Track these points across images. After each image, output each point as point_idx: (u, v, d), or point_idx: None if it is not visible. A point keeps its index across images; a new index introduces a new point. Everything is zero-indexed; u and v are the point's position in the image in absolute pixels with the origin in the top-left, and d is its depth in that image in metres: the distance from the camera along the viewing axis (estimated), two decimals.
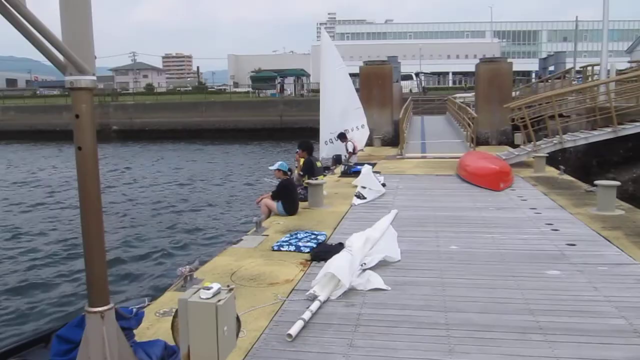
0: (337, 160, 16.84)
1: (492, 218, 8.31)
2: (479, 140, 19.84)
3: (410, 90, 46.91)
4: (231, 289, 3.35)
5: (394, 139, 21.79)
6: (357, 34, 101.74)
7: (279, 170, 8.83)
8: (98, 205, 3.26)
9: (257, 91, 56.35)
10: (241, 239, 7.42)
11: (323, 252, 6.29)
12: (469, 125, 19.13)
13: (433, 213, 8.76)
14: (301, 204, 9.35)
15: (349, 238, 6.29)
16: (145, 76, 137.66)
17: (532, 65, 63.19)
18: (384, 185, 11.53)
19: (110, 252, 11.56)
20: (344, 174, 13.73)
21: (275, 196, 8.81)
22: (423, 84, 51.38)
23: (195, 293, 3.25)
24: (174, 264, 9.83)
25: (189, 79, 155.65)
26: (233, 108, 47.20)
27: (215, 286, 3.25)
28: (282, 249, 6.70)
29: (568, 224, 7.83)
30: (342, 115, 16.98)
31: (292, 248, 6.67)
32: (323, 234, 7.28)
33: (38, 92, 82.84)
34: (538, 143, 14.51)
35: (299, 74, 57.72)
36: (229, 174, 24.67)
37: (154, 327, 4.53)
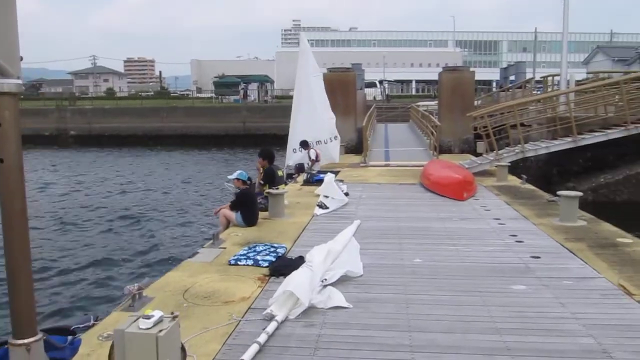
0: (299, 168, 16.55)
1: (456, 229, 8.15)
2: (442, 149, 19.85)
3: (374, 97, 47.00)
4: (175, 317, 3.03)
5: (357, 147, 21.64)
6: (321, 41, 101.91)
7: (238, 179, 8.50)
8: (24, 224, 2.90)
9: (220, 97, 55.66)
10: (197, 252, 7.06)
11: (282, 266, 6.00)
12: (432, 133, 19.13)
13: (396, 224, 8.57)
14: (261, 214, 9.04)
15: (309, 251, 6.02)
16: (106, 80, 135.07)
17: (493, 74, 64.36)
18: (346, 194, 11.32)
19: (53, 267, 10.99)
20: (307, 182, 13.48)
21: (233, 206, 8.47)
22: (387, 92, 51.67)
23: (134, 322, 2.92)
24: (124, 280, 9.39)
25: (151, 83, 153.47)
26: (195, 114, 46.45)
27: (157, 314, 2.93)
28: (239, 263, 6.38)
29: (532, 235, 7.74)
30: (314, 124, 16.63)
31: (250, 262, 6.35)
32: (283, 247, 6.99)
33: None
34: (500, 152, 14.55)
35: (263, 80, 57.29)
36: (188, 182, 24.10)
37: (96, 352, 4.15)
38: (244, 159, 32.61)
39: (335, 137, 17.21)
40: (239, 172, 8.56)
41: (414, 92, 74.87)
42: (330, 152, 17.17)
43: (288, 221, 8.86)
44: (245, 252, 6.74)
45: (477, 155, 17.53)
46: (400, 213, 9.46)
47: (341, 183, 12.72)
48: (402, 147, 21.38)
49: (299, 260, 6.07)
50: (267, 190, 9.09)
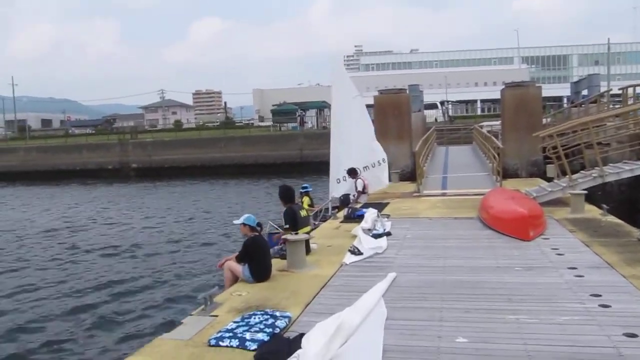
0: (344, 201, 15.00)
1: (518, 285, 6.31)
2: (507, 173, 17.80)
3: (436, 119, 44.97)
4: None
5: (413, 173, 19.86)
6: (382, 65, 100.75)
7: (244, 225, 7.04)
8: None
9: (278, 125, 55.13)
10: (181, 323, 5.62)
11: (269, 353, 4.44)
12: (494, 157, 17.13)
13: (442, 277, 6.81)
14: (280, 265, 7.56)
15: (306, 335, 4.44)
16: (174, 113, 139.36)
17: (563, 90, 60.63)
18: (388, 234, 9.65)
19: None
20: (348, 218, 11.88)
21: (240, 258, 7.01)
22: (449, 112, 49.41)
23: None
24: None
25: (218, 114, 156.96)
26: (253, 143, 46.00)
27: None
28: (221, 343, 4.86)
29: (622, 295, 5.79)
30: (357, 150, 15.25)
31: (235, 343, 4.82)
32: (286, 317, 5.42)
33: (70, 131, 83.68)
34: (574, 177, 12.45)
35: (321, 106, 56.42)
36: (233, 214, 22.95)
37: None
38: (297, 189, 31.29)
39: (383, 160, 15.73)
40: (246, 216, 7.11)
41: (479, 112, 71.90)
42: (378, 177, 15.67)
43: (308, 274, 7.29)
44: (235, 325, 5.21)
45: (549, 179, 15.38)
46: (448, 260, 7.68)
47: (386, 219, 11.07)
48: (463, 173, 19.40)
49: (295, 344, 4.50)
50: (284, 236, 7.58)
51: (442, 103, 50.21)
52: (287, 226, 8.29)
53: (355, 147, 14.96)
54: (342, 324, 4.78)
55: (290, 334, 4.97)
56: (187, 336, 5.14)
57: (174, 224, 21.62)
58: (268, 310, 5.65)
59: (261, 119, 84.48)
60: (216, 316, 5.72)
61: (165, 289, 11.95)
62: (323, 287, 6.64)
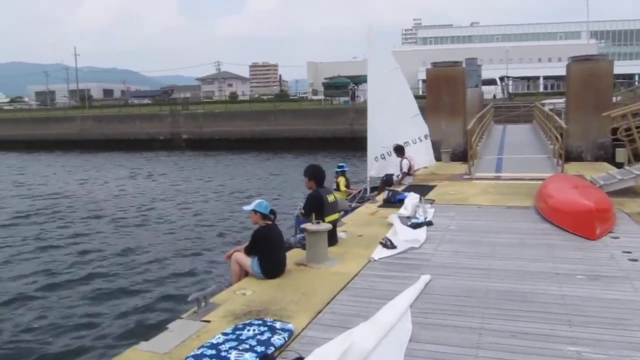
0: (387, 181, 13.89)
1: (579, 302, 5.10)
2: (570, 155, 16.20)
3: (494, 96, 42.72)
4: None
5: (465, 153, 18.46)
6: (440, 38, 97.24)
7: (255, 212, 6.08)
8: None
9: (329, 99, 53.89)
10: (166, 328, 4.75)
11: None
12: (556, 138, 15.55)
13: (485, 283, 5.67)
14: (299, 257, 6.60)
15: None
16: (230, 85, 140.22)
17: (635, 67, 56.67)
18: (429, 224, 8.52)
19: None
20: (387, 202, 10.79)
21: (249, 249, 6.08)
22: (509, 89, 46.82)
23: None
24: None
25: (274, 87, 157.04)
26: (302, 116, 45.08)
27: None
28: None
29: None
30: (396, 125, 14.10)
31: None
32: (286, 331, 4.44)
33: (129, 101, 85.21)
34: None
35: (364, 81, 54.69)
36: (270, 189, 22.12)
37: None
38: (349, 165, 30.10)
39: (426, 137, 14.51)
40: (257, 201, 6.15)
41: (541, 89, 68.32)
42: (420, 155, 14.50)
43: (329, 270, 6.29)
44: (223, 339, 4.28)
45: (618, 165, 13.75)
46: (495, 260, 6.51)
47: (429, 205, 9.92)
48: (520, 154, 17.86)
49: None
50: (302, 225, 6.58)
51: (501, 79, 47.64)
52: (303, 211, 7.28)
53: (394, 123, 13.84)
54: (351, 349, 3.79)
55: (295, 351, 4.01)
56: (164, 348, 4.25)
57: (209, 199, 20.99)
58: (267, 319, 4.69)
59: (314, 92, 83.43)
60: (208, 322, 4.82)
61: (175, 277, 10.98)
62: (342, 289, 5.63)
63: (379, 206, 10.58)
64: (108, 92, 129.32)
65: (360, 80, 53.92)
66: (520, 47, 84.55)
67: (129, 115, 53.46)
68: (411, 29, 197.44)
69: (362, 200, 12.84)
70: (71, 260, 12.35)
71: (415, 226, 8.27)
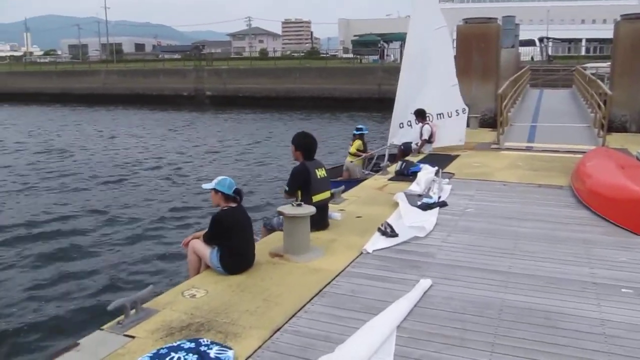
0: (405, 150, 12.55)
1: (624, 330, 3.80)
2: (613, 126, 14.52)
3: (532, 58, 40.27)
4: None
5: (496, 119, 16.90)
6: None
7: (216, 191, 4.90)
8: None
9: (358, 57, 51.86)
10: (76, 344, 3.67)
11: None
12: (599, 105, 13.89)
13: (500, 294, 4.41)
14: (276, 245, 5.43)
15: None
16: (261, 41, 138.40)
17: None
18: (442, 204, 7.24)
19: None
20: (399, 174, 9.50)
21: (208, 237, 4.93)
22: (548, 51, 44.14)
23: None
24: None
25: (306, 44, 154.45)
26: (328, 75, 43.42)
27: None
28: None
29: None
30: (431, 92, 12.55)
31: None
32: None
33: (160, 56, 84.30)
34: None
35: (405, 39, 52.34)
36: (280, 154, 20.85)
37: None
38: (373, 128, 28.47)
39: (464, 110, 12.88)
40: (219, 178, 4.94)
41: (583, 52, 64.75)
42: (453, 130, 12.90)
43: (307, 265, 5.10)
44: None
45: None
46: (517, 259, 5.23)
47: (446, 181, 8.61)
48: (556, 122, 16.21)
49: None
50: (279, 208, 5.36)
51: (540, 40, 44.85)
52: (287, 189, 6.07)
53: (430, 90, 12.26)
54: None
55: None
56: None
57: (214, 161, 19.90)
58: (204, 340, 3.55)
59: (345, 50, 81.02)
60: (132, 337, 3.71)
61: (134, 261, 9.26)
62: (317, 294, 4.45)
63: (390, 179, 9.30)
64: (139, 47, 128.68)
65: (391, 37, 51.69)
66: (562, 7, 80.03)
67: (153, 70, 52.50)
68: None
69: (378, 169, 11.50)
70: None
71: (426, 207, 7.01)
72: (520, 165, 10.42)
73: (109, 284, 8.08)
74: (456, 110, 13.14)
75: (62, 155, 20.98)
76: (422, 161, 10.48)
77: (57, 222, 11.43)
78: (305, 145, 6.16)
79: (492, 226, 6.34)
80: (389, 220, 6.27)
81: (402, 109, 12.78)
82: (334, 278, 4.78)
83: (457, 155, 11.60)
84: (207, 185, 4.96)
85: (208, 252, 4.90)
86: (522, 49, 36.19)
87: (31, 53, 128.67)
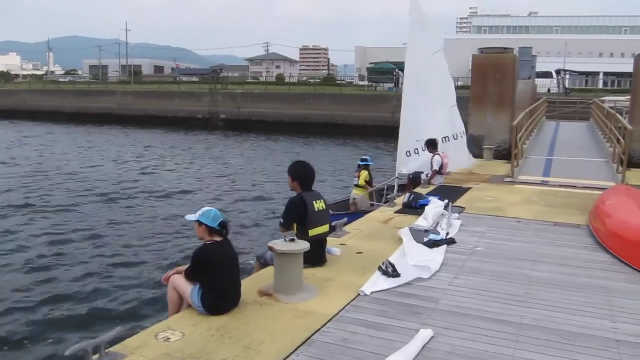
0: (414, 180, 12.11)
1: None
2: (633, 161, 13.95)
3: (549, 90, 39.85)
4: None
5: (511, 151, 16.43)
6: (495, 27, 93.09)
7: (200, 223, 4.49)
8: None
9: (373, 85, 51.79)
10: None
11: None
12: (618, 140, 13.39)
13: (511, 350, 3.91)
14: (265, 284, 4.99)
15: None
16: (278, 67, 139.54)
17: None
18: (450, 242, 6.77)
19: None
20: (407, 206, 9.05)
21: (189, 274, 4.51)
22: (566, 83, 43.71)
23: None
24: None
25: (323, 71, 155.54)
26: (342, 102, 43.31)
27: None
28: None
29: None
30: (435, 116, 12.35)
31: None
32: None
33: (178, 78, 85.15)
34: None
35: None
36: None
37: None
38: (386, 156, 28.09)
39: (462, 134, 12.73)
40: (204, 210, 4.54)
41: (601, 86, 64.21)
42: (459, 153, 12.71)
43: (298, 307, 4.64)
44: None
45: None
46: (530, 308, 4.73)
47: (456, 216, 8.15)
48: (573, 156, 15.68)
49: None
50: (270, 244, 4.93)
51: (558, 72, 44.48)
52: (282, 222, 5.67)
53: (433, 114, 12.02)
54: None
55: None
56: None
57: (220, 185, 19.57)
58: None
59: (361, 78, 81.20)
60: None
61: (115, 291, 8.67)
62: (304, 343, 3.98)
63: (397, 212, 8.84)
64: (159, 69, 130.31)
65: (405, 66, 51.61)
66: (581, 40, 79.79)
67: (169, 93, 52.86)
68: (466, 18, 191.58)
69: (388, 201, 11.04)
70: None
71: (432, 245, 6.54)
72: (536, 200, 9.92)
73: (75, 322, 7.39)
74: (460, 132, 12.93)
75: (46, 174, 20.76)
76: (432, 193, 10.03)
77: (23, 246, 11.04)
78: (302, 175, 5.76)
79: (503, 268, 5.85)
80: (392, 259, 5.82)
81: (408, 137, 12.52)
82: (326, 324, 4.32)
83: (469, 188, 11.12)
84: (191, 217, 4.56)
85: (189, 290, 4.48)
86: (539, 81, 35.80)
87: (53, 72, 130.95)
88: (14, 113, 54.32)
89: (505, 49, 18.36)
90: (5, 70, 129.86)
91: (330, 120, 42.19)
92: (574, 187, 11.23)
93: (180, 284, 4.55)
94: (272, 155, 28.76)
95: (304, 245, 4.89)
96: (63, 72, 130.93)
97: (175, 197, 16.85)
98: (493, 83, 17.27)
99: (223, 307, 4.41)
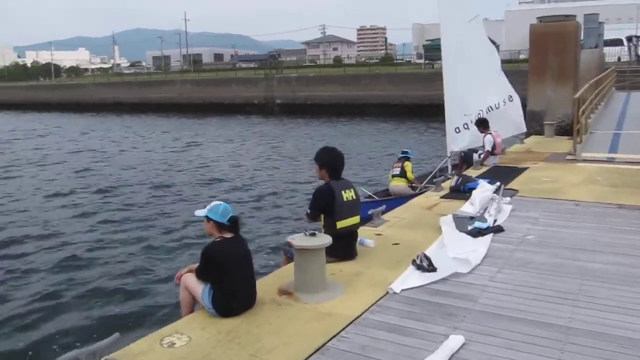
0: (466, 158, 11.48)
1: None
2: None
3: (619, 58, 37.35)
4: None
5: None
6: None
7: (208, 219, 4.16)
8: None
9: (430, 62, 50.30)
10: None
11: None
12: None
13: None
14: (285, 281, 4.62)
15: None
16: (335, 49, 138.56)
17: None
18: (497, 230, 6.19)
19: None
20: (455, 191, 8.45)
21: (199, 273, 4.20)
22: (638, 51, 40.76)
23: None
24: None
25: (381, 51, 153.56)
26: (398, 81, 42.27)
27: None
28: None
29: None
30: (479, 86, 11.77)
31: None
32: None
33: (237, 65, 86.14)
34: None
35: None
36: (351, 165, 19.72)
37: None
38: (442, 136, 27.05)
39: (511, 99, 12.12)
40: (212, 204, 4.20)
41: None
42: (510, 119, 12.16)
43: (318, 307, 4.24)
44: None
45: None
46: (581, 308, 4.14)
47: (507, 200, 7.51)
48: None
49: None
50: (288, 238, 4.54)
51: (629, 39, 41.54)
52: (308, 212, 5.29)
53: (476, 84, 11.49)
54: None
55: None
56: None
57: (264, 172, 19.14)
58: None
59: (419, 55, 79.29)
60: None
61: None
62: (319, 349, 3.59)
63: (443, 196, 8.27)
64: (218, 57, 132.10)
65: None
66: None
67: (225, 79, 53.32)
68: None
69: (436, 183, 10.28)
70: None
71: (476, 234, 5.99)
72: (599, 179, 9.08)
73: (80, 324, 6.92)
74: (503, 100, 12.24)
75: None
76: (484, 176, 9.37)
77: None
78: (330, 162, 5.33)
79: (555, 259, 5.23)
80: (429, 251, 5.33)
81: (455, 111, 11.94)
82: (345, 327, 3.90)
83: (525, 168, 10.36)
84: (199, 212, 4.23)
85: (200, 290, 4.17)
86: (607, 50, 33.54)
87: (118, 65, 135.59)
88: (80, 106, 56.53)
89: (567, 16, 17.11)
90: (75, 65, 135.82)
91: (386, 100, 41.31)
92: None
93: (192, 283, 4.25)
94: (325, 140, 28.32)
95: (325, 240, 4.48)
96: (128, 64, 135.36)
97: (224, 185, 16.74)
98: (553, 54, 16.19)
99: (234, 309, 4.07)
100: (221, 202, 4.22)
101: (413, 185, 10.98)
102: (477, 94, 11.65)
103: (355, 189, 5.44)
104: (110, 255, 9.69)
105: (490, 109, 11.81)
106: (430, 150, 22.76)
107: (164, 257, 9.55)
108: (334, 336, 3.78)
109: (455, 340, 3.57)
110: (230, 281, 4.03)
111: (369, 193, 10.92)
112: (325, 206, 5.16)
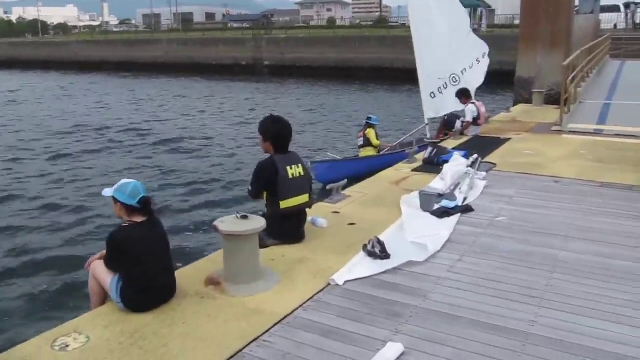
0: (448, 122, 11.04)
1: None
2: None
3: (615, 25, 36.48)
4: None
5: None
6: None
7: (115, 200, 3.56)
8: None
9: None
10: None
11: None
12: None
13: None
14: (215, 269, 4.06)
15: None
16: (329, 10, 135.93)
17: None
18: (466, 210, 5.63)
19: None
20: (428, 162, 7.86)
21: (107, 262, 3.62)
22: (635, 18, 39.85)
23: None
24: None
25: (377, 13, 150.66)
26: (390, 44, 41.13)
27: None
28: None
29: None
30: (450, 48, 11.35)
31: None
32: None
33: (229, 25, 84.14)
34: None
35: (474, 5, 48.86)
36: (332, 132, 19.03)
37: None
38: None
39: (484, 56, 11.74)
40: (121, 183, 3.59)
41: None
42: (477, 78, 11.82)
43: (245, 302, 3.68)
44: None
45: None
46: (545, 308, 3.60)
47: (481, 176, 6.93)
48: (636, 100, 13.82)
49: None
50: (216, 222, 3.94)
51: (627, 5, 40.57)
52: (250, 189, 4.71)
53: (448, 47, 11.12)
54: None
55: None
56: None
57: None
58: None
59: None
60: None
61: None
62: (232, 357, 3.05)
63: (415, 169, 7.68)
64: (210, 16, 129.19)
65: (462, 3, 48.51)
66: None
67: (213, 39, 51.85)
68: None
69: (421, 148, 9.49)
70: None
71: (442, 214, 5.43)
72: (583, 153, 8.52)
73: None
74: (476, 59, 11.80)
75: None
76: (462, 147, 8.79)
77: None
78: (274, 133, 4.70)
79: (524, 247, 4.69)
80: (384, 235, 4.76)
81: (428, 77, 11.44)
82: (270, 328, 3.35)
83: (508, 139, 9.78)
84: (107, 192, 3.62)
85: (109, 280, 3.59)
86: (604, 16, 32.69)
87: (107, 23, 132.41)
88: (64, 64, 55.03)
89: None
90: (63, 22, 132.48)
91: (376, 64, 40.35)
92: (634, 136, 9.68)
93: (100, 272, 3.66)
94: (312, 102, 27.51)
95: (257, 225, 3.89)
96: (117, 22, 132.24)
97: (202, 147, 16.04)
98: (545, 19, 15.44)
99: (145, 303, 3.51)
100: (131, 180, 3.61)
101: (383, 150, 10.61)
102: (449, 57, 11.27)
103: (304, 164, 4.83)
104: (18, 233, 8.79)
105: (464, 70, 11.38)
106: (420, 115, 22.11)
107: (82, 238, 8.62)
108: (255, 339, 3.23)
109: (391, 350, 3.03)
110: (141, 272, 3.46)
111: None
112: (267, 183, 4.56)
